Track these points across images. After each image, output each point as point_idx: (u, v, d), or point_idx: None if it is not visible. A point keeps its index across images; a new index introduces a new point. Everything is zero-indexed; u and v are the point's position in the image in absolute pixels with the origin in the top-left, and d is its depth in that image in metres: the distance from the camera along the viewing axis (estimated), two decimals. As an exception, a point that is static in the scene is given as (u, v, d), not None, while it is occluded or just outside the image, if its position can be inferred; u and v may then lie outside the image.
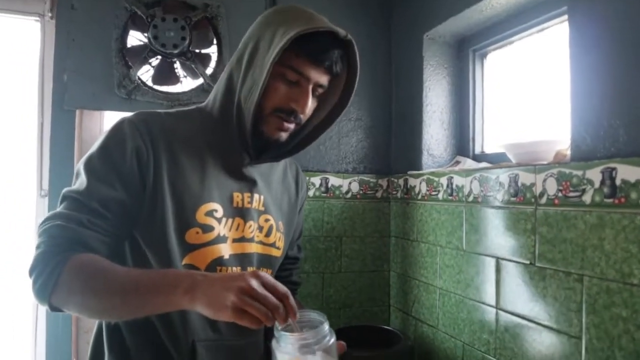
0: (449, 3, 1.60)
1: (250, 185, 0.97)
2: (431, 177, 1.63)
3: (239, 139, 0.93)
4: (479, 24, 1.63)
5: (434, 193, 1.61)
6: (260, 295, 0.69)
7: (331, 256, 1.83)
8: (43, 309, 1.76)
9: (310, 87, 0.90)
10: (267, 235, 0.98)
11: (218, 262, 0.91)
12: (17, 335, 1.85)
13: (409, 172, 1.76)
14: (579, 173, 1.06)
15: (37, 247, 0.83)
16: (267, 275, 0.73)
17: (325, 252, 1.82)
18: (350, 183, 1.86)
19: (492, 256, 1.33)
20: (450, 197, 1.52)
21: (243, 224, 0.95)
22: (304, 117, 0.93)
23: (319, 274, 1.80)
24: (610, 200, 0.98)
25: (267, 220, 0.99)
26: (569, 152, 1.13)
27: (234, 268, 0.93)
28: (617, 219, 0.97)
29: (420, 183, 1.69)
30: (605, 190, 1.00)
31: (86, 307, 0.83)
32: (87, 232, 0.83)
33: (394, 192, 1.88)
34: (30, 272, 0.81)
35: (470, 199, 1.43)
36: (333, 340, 0.78)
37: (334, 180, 1.84)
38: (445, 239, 1.54)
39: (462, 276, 1.46)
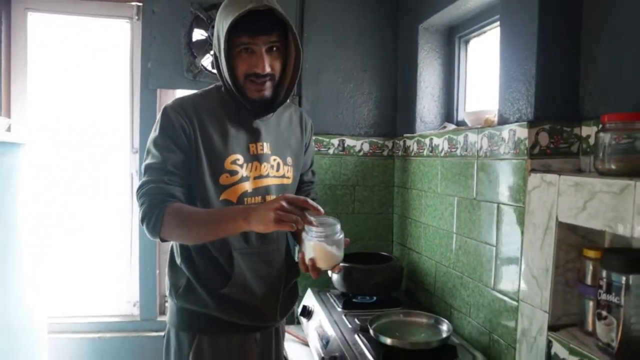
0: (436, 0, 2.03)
1: (259, 136, 1.34)
2: (420, 138, 2.10)
3: (241, 105, 1.30)
4: (462, 16, 2.04)
5: (421, 151, 2.08)
6: (288, 209, 1.06)
7: (346, 200, 2.36)
8: (136, 241, 2.37)
9: (262, 49, 1.21)
10: (277, 170, 1.38)
11: (245, 195, 1.31)
12: (117, 259, 2.48)
13: (405, 135, 2.25)
14: (498, 133, 1.51)
15: (142, 203, 1.21)
16: (290, 195, 1.12)
17: (342, 197, 2.35)
18: (362, 144, 2.37)
19: (453, 195, 1.80)
20: (430, 154, 1.99)
21: (259, 165, 1.34)
22: (272, 72, 1.24)
23: (336, 214, 2.33)
24: (514, 150, 1.43)
25: (274, 159, 1.38)
26: (495, 118, 1.58)
27: (257, 197, 1.33)
28: (515, 163, 1.42)
29: (413, 143, 2.16)
30: (510, 144, 1.45)
31: (183, 236, 1.25)
32: (170, 187, 1.23)
33: (397, 151, 2.37)
34: (142, 220, 1.21)
35: (442, 154, 1.89)
36: (342, 236, 1.15)
37: (349, 142, 2.35)
38: (427, 186, 2.02)
39: (436, 213, 1.94)
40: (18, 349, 1.94)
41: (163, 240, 1.24)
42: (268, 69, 1.24)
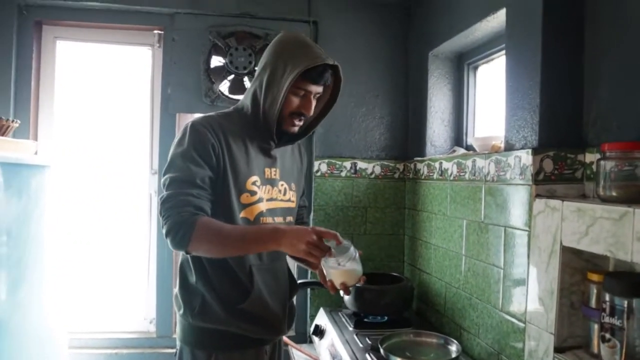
0: (445, 29, 2.10)
1: (275, 162, 1.45)
2: (430, 162, 2.16)
3: (266, 132, 1.39)
4: (470, 44, 2.11)
5: (431, 174, 2.14)
6: (318, 243, 1.20)
7: (358, 222, 2.41)
8: (154, 260, 2.44)
9: (312, 96, 1.38)
10: (284, 194, 1.48)
11: (260, 215, 1.39)
12: (135, 277, 2.54)
13: (416, 158, 2.31)
14: (504, 159, 1.56)
15: (169, 216, 1.22)
16: (319, 228, 1.22)
17: (354, 218, 2.41)
18: (374, 166, 2.43)
19: (462, 218, 1.85)
20: (440, 177, 2.05)
21: (272, 189, 1.43)
22: (309, 116, 1.42)
23: (348, 235, 2.39)
24: (520, 176, 1.48)
25: (282, 185, 1.48)
26: (502, 145, 1.63)
27: (270, 218, 1.41)
28: (521, 188, 1.47)
29: (424, 167, 2.22)
30: (516, 170, 1.50)
31: (211, 251, 1.28)
32: (199, 200, 1.25)
33: (408, 174, 2.43)
34: (169, 231, 1.21)
35: (452, 178, 1.94)
36: (357, 253, 1.30)
37: (361, 164, 2.42)
38: (437, 208, 2.07)
39: (446, 235, 1.99)
40: (40, 363, 2.01)
41: (188, 254, 1.29)
42: (312, 112, 1.40)
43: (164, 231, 1.25)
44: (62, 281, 2.20)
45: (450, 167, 1.95)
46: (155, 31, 2.44)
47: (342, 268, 1.28)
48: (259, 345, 1.43)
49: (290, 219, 1.51)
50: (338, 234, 1.24)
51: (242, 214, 1.36)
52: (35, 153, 2.17)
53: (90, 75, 2.52)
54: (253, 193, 1.38)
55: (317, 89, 1.37)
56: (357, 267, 1.31)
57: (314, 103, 1.39)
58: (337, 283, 1.30)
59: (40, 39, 2.37)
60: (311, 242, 1.19)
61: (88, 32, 2.41)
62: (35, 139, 2.35)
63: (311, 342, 2.18)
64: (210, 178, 1.30)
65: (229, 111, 1.46)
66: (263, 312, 1.39)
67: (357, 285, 1.33)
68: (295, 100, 1.36)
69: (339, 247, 1.26)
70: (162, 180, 1.30)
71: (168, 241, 1.25)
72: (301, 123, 1.42)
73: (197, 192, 1.26)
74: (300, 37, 1.39)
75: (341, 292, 1.33)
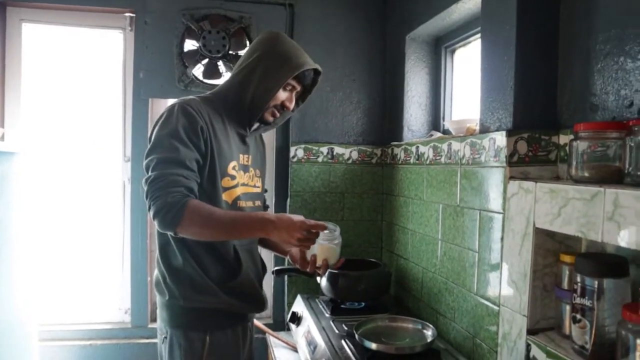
0: (422, 11, 2.07)
1: (248, 149, 1.52)
2: (407, 146, 2.14)
3: (245, 119, 1.48)
4: (447, 27, 2.09)
5: (408, 159, 2.12)
6: (307, 237, 1.28)
7: (336, 208, 2.39)
8: (128, 248, 2.39)
9: (294, 93, 1.52)
10: (252, 180, 1.54)
11: (238, 198, 1.45)
12: (109, 266, 2.49)
13: (393, 143, 2.28)
14: (479, 141, 1.55)
15: (158, 196, 1.21)
16: (308, 222, 1.29)
17: (331, 204, 2.38)
18: (351, 152, 2.40)
19: (438, 202, 1.84)
20: (417, 162, 2.03)
21: (244, 174, 1.49)
22: (289, 111, 1.54)
23: (326, 221, 2.36)
24: (495, 159, 1.47)
25: (252, 170, 1.54)
26: (477, 127, 1.62)
27: (244, 202, 1.47)
28: (495, 170, 1.46)
29: (400, 151, 2.20)
30: (491, 152, 1.49)
31: (201, 234, 1.28)
32: (189, 182, 1.26)
33: (385, 159, 2.40)
34: (158, 212, 1.21)
35: (428, 162, 1.93)
36: (339, 240, 1.46)
37: (338, 150, 2.39)
38: (413, 193, 2.06)
39: (422, 219, 1.98)
40: (8, 356, 1.96)
41: (175, 235, 1.27)
42: (292, 107, 1.53)
43: (151, 212, 1.23)
44: (32, 271, 2.14)
45: (426, 151, 1.94)
46: (127, 14, 2.37)
47: (329, 244, 1.43)
48: (245, 322, 1.53)
49: (258, 203, 1.58)
50: (326, 224, 1.36)
51: (223, 197, 1.40)
52: (2, 139, 2.10)
53: (60, 60, 2.44)
54: (233, 177, 1.43)
55: (300, 86, 1.52)
56: (339, 249, 1.48)
57: (294, 99, 1.53)
58: (320, 259, 1.44)
59: (5, 21, 2.28)
60: (301, 237, 1.27)
61: (56, 14, 2.33)
62: (2, 125, 2.27)
63: (289, 329, 2.16)
64: (197, 160, 1.31)
65: (208, 96, 1.48)
66: (251, 289, 1.47)
67: (335, 270, 1.45)
68: (283, 95, 1.47)
69: (329, 228, 1.39)
70: (147, 161, 1.28)
71: (156, 222, 1.24)
72: (278, 115, 1.53)
73: (186, 173, 1.27)
74: (293, 42, 1.51)
75: (317, 276, 1.42)
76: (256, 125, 1.55)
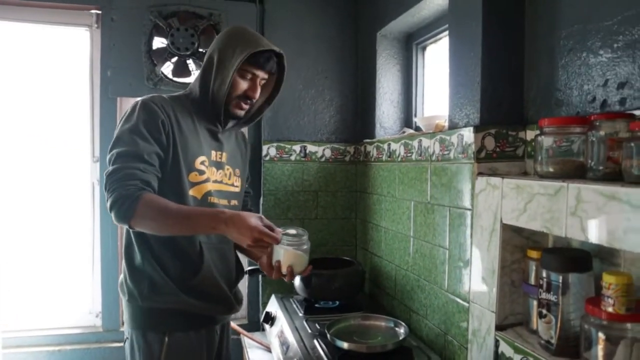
0: (392, 7, 2.06)
1: (221, 146, 1.50)
2: (379, 144, 2.13)
3: (213, 115, 1.46)
4: (417, 23, 2.09)
5: (380, 156, 2.11)
6: (264, 235, 1.22)
7: (309, 206, 2.37)
8: (98, 251, 2.34)
9: (258, 81, 1.45)
10: (229, 178, 1.52)
11: (208, 194, 1.42)
12: (78, 269, 2.44)
13: (365, 140, 2.27)
14: (448, 138, 1.55)
15: (114, 190, 1.21)
16: (262, 230, 1.22)
17: (305, 203, 2.36)
18: (324, 150, 2.39)
19: (410, 199, 1.83)
20: (389, 159, 2.02)
21: (217, 171, 1.47)
22: (254, 101, 1.48)
23: (299, 220, 2.34)
24: (463, 155, 1.47)
25: (227, 169, 1.52)
26: (446, 124, 1.62)
27: (217, 199, 1.45)
28: (464, 167, 1.46)
29: (373, 149, 2.19)
30: (459, 148, 1.48)
31: (155, 228, 1.27)
32: (146, 175, 1.25)
33: (358, 157, 2.40)
34: (113, 205, 1.21)
35: (399, 159, 1.92)
36: (308, 245, 1.34)
37: (311, 148, 2.37)
38: (386, 190, 2.05)
39: (395, 217, 1.97)
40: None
41: (131, 228, 1.27)
42: (257, 96, 1.47)
43: (108, 204, 1.24)
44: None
45: (398, 148, 1.93)
46: (93, 11, 2.32)
47: (295, 250, 1.31)
48: (211, 324, 1.47)
49: (235, 202, 1.54)
50: (294, 228, 1.33)
51: (190, 192, 1.38)
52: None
53: (24, 58, 2.37)
54: (201, 172, 1.41)
55: (263, 74, 1.44)
56: (306, 256, 1.35)
57: (259, 88, 1.46)
58: (284, 265, 1.32)
59: (-36, 18, 2.20)
60: (257, 238, 1.22)
61: (19, 10, 2.26)
62: (-38, 126, 2.19)
63: (263, 330, 2.14)
64: (158, 154, 1.30)
65: (178, 95, 1.49)
66: (213, 288, 1.42)
67: (302, 276, 1.36)
68: (243, 84, 1.42)
69: (296, 233, 1.32)
70: (108, 156, 1.29)
71: (112, 215, 1.24)
72: (247, 107, 1.48)
73: (143, 166, 1.26)
74: (249, 29, 1.47)
75: (284, 280, 1.34)
76: (232, 122, 1.53)
